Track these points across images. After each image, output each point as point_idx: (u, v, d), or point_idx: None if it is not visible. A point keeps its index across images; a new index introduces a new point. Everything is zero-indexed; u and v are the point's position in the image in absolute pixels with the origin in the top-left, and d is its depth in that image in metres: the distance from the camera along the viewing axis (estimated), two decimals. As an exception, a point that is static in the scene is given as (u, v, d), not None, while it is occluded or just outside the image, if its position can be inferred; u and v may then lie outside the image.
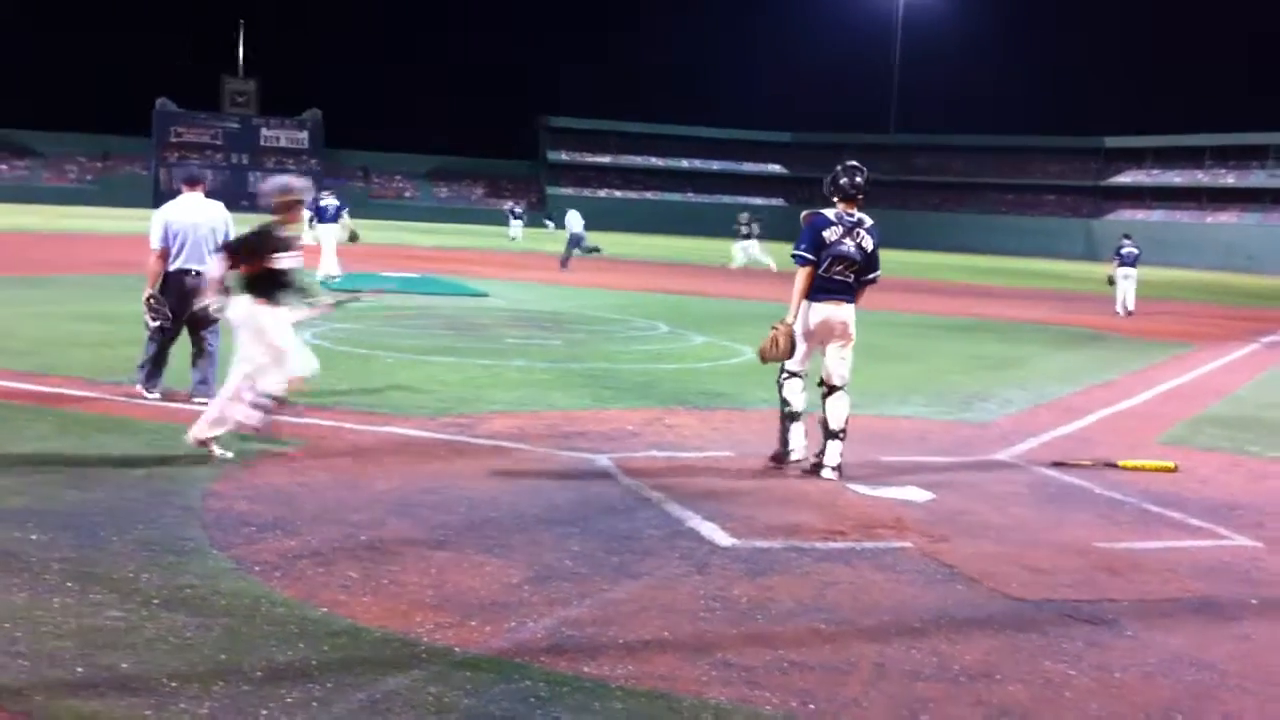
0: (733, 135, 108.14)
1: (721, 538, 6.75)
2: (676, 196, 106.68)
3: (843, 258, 8.52)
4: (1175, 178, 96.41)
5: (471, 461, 8.39)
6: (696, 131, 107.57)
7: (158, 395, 10.02)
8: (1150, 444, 10.63)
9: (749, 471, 8.58)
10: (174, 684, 4.34)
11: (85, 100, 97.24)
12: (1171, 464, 9.44)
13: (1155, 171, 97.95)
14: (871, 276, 8.77)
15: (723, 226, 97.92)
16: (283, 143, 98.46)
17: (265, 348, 8.22)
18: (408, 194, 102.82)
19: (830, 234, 8.53)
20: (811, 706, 4.52)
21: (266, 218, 8.49)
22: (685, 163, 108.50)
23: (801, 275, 8.53)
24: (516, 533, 6.62)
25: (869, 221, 8.71)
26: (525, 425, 9.82)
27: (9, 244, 34.00)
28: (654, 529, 6.86)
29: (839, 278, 8.56)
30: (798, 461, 8.63)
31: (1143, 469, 9.27)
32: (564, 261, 35.74)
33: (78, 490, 6.97)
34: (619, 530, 6.78)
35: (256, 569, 5.74)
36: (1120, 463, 9.37)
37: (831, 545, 6.76)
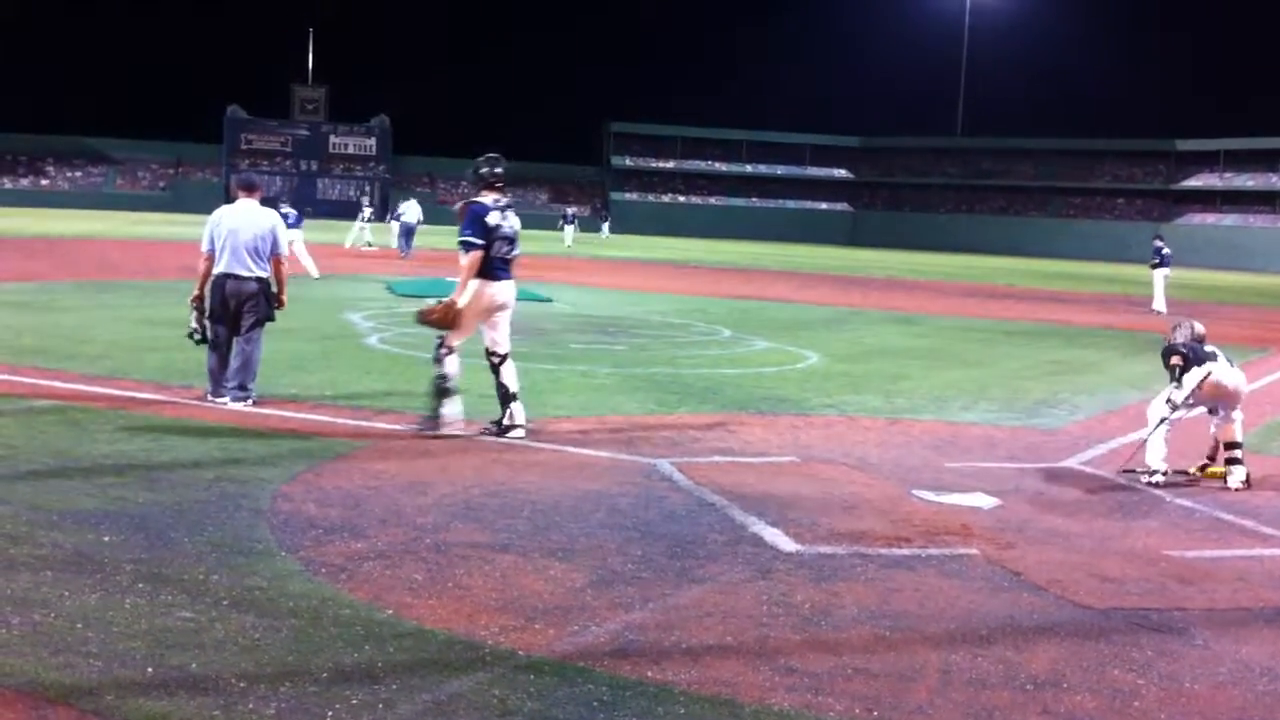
0: (799, 140, 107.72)
1: (785, 543, 6.73)
2: (741, 201, 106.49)
3: (506, 238, 9.52)
4: (1248, 181, 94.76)
5: (535, 465, 8.43)
6: (762, 136, 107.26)
7: (226, 400, 10.14)
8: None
9: (814, 477, 8.55)
10: (242, 684, 4.39)
11: (158, 108, 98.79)
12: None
13: (1228, 175, 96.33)
14: (516, 253, 9.71)
15: (785, 231, 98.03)
16: (351, 149, 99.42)
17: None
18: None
19: (493, 219, 9.42)
20: (876, 714, 4.49)
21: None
22: (750, 167, 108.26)
23: (472, 259, 9.30)
24: (580, 536, 6.64)
25: (511, 203, 9.82)
26: (589, 430, 9.84)
27: (83, 249, 34.60)
28: (717, 534, 6.85)
29: (505, 257, 9.54)
30: (452, 428, 9.34)
31: (1216, 476, 9.14)
32: (403, 252, 37.51)
33: (149, 492, 7.08)
34: (682, 535, 6.78)
35: (324, 571, 5.80)
36: (1191, 469, 9.24)
37: (896, 551, 6.72)
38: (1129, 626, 5.66)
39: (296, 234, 26.49)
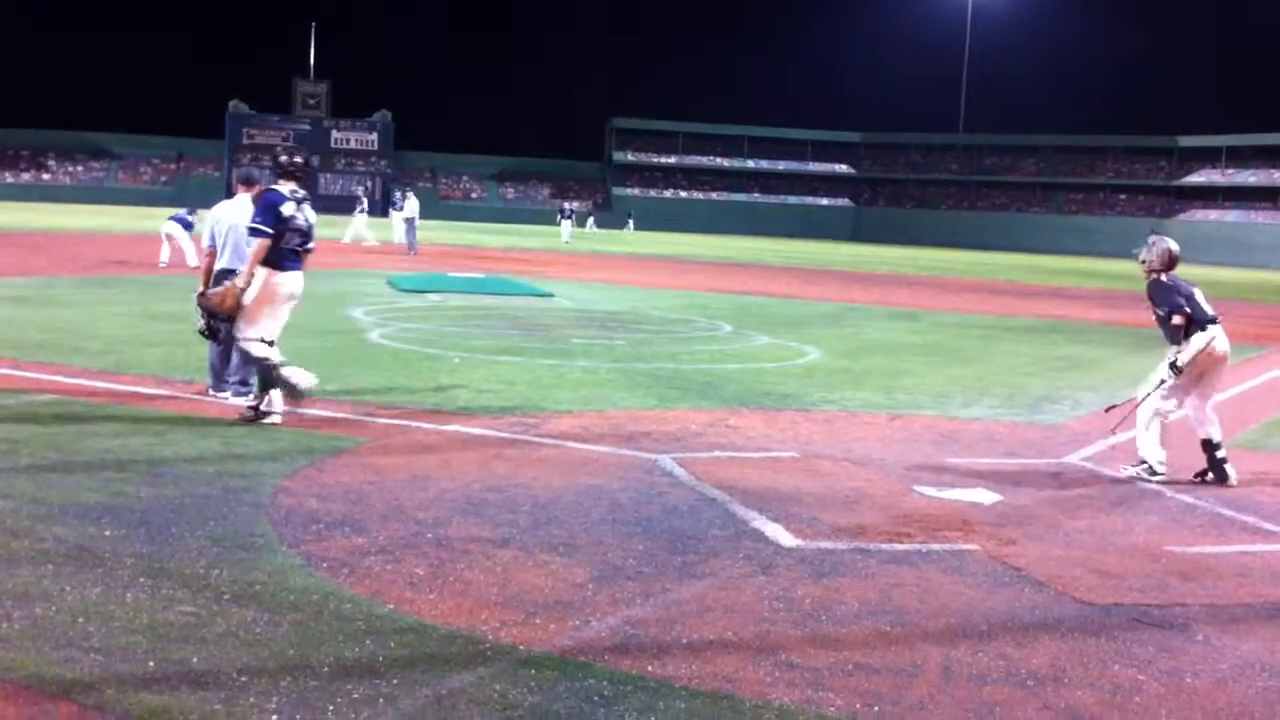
0: (800, 135, 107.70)
1: (786, 538, 6.73)
2: (742, 197, 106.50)
3: (299, 230, 9.46)
4: (1250, 177, 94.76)
5: (537, 461, 8.43)
6: (763, 131, 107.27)
7: (228, 395, 10.15)
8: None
9: (815, 472, 8.55)
10: (243, 679, 4.39)
11: (160, 102, 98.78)
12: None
13: (1230, 171, 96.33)
14: (310, 246, 9.66)
15: (787, 226, 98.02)
16: (353, 144, 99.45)
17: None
18: (475, 195, 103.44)
19: (287, 209, 9.37)
20: (877, 709, 4.49)
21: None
22: (751, 163, 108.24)
23: (259, 246, 9.25)
24: (581, 532, 6.64)
25: (308, 196, 9.83)
26: (590, 425, 9.85)
27: (85, 244, 34.59)
28: (718, 529, 6.86)
29: (296, 248, 9.48)
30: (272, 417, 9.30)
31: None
32: (412, 247, 37.85)
33: (151, 487, 7.08)
34: (683, 530, 6.78)
35: (325, 566, 5.80)
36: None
37: (897, 547, 6.72)
38: (1130, 622, 5.66)
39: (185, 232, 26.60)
